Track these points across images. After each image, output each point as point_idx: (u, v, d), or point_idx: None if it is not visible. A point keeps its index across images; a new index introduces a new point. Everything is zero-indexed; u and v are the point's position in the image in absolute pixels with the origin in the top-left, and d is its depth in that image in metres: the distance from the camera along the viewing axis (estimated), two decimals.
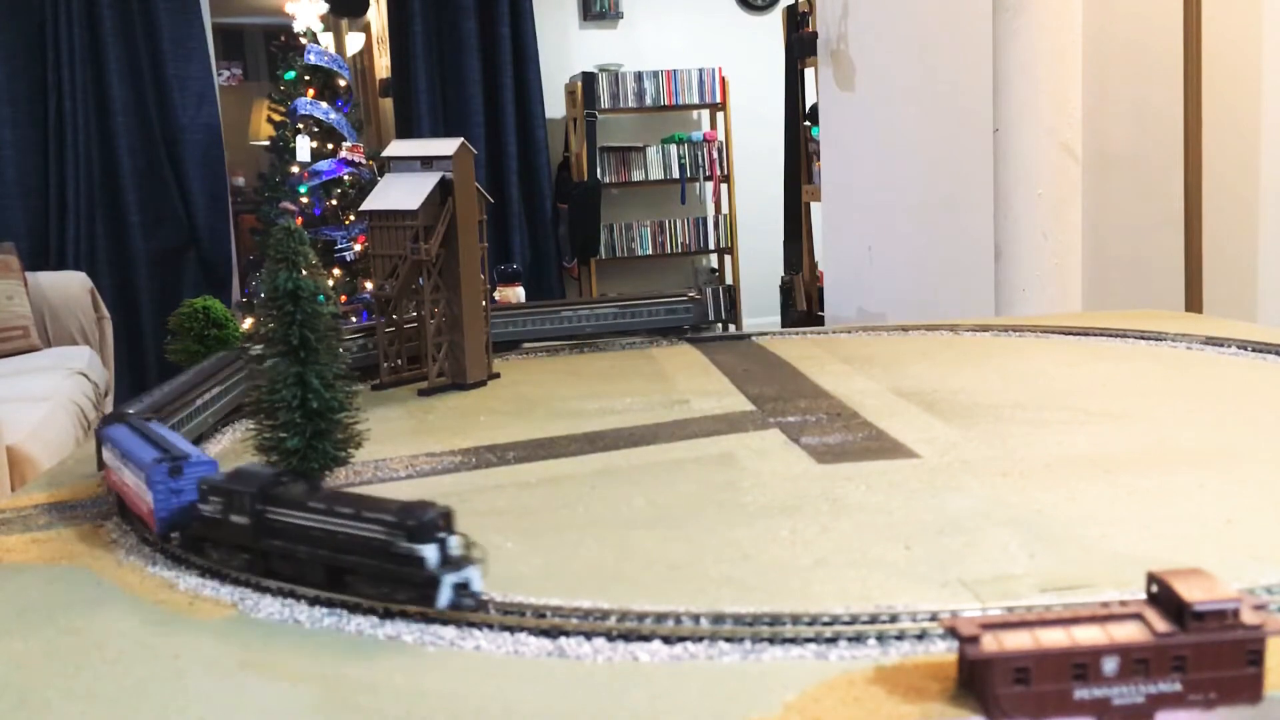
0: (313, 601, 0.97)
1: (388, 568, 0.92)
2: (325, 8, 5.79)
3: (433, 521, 0.91)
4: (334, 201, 5.59)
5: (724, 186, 6.95)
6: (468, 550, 0.92)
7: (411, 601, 0.92)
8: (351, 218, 5.56)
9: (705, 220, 6.99)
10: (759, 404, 1.70)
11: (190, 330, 1.83)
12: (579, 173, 6.70)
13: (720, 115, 6.90)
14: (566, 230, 6.75)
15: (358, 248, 5.52)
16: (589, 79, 6.57)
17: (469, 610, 0.91)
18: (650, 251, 6.94)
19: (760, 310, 6.97)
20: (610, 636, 0.87)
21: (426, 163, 1.88)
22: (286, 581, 0.99)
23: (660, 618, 0.90)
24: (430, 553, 0.90)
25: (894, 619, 0.88)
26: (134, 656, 0.89)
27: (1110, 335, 2.10)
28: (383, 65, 7.52)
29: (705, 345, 2.24)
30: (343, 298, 5.49)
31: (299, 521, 0.98)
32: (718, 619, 0.88)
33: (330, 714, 0.79)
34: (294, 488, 1.01)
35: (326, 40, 5.80)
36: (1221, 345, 1.94)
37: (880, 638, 0.85)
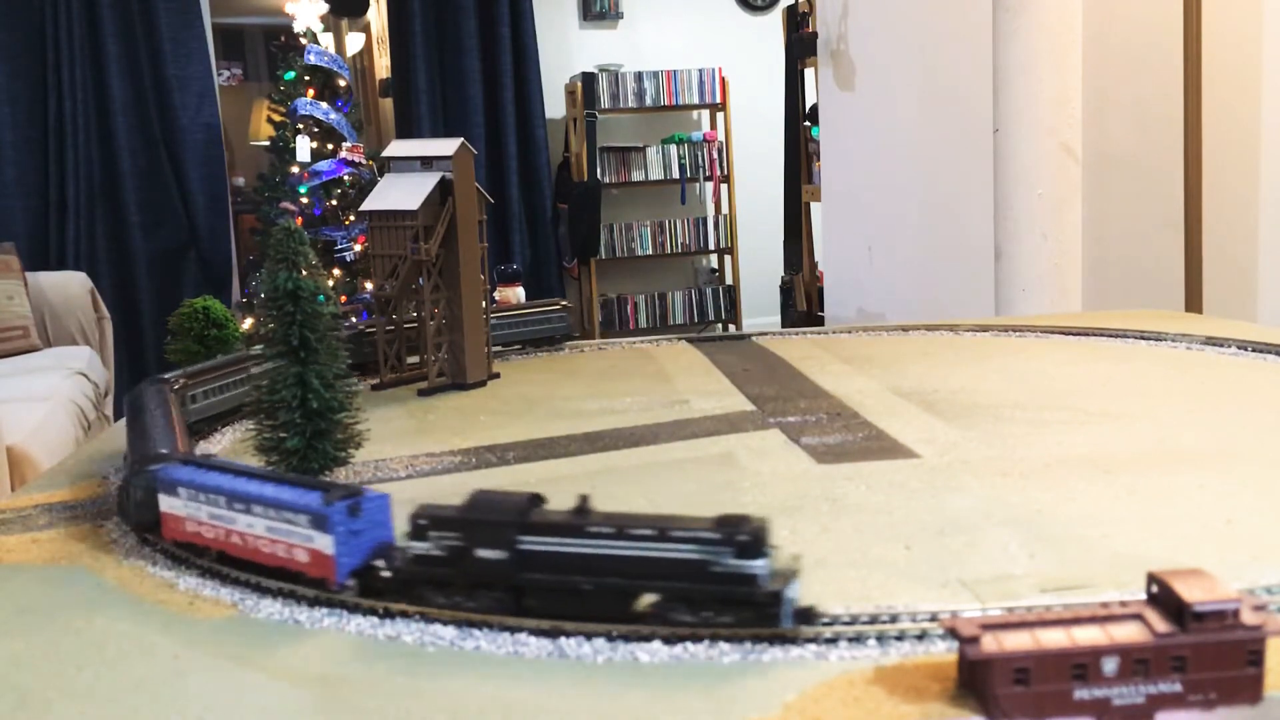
0: (312, 602, 0.97)
1: (710, 589, 0.85)
2: (325, 8, 5.78)
3: (759, 534, 0.84)
4: (334, 201, 5.59)
5: (724, 186, 6.95)
6: (789, 562, 0.86)
7: (748, 623, 0.84)
8: (351, 218, 5.56)
9: (705, 220, 6.99)
10: (759, 404, 1.70)
11: (190, 330, 1.84)
12: (579, 173, 6.70)
13: (720, 115, 6.90)
14: (566, 230, 6.75)
15: (358, 248, 5.52)
16: (589, 79, 6.57)
17: (814, 625, 0.85)
18: (650, 251, 6.93)
19: (760, 310, 6.97)
20: (610, 636, 0.87)
21: (426, 163, 1.88)
22: (548, 618, 0.89)
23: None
24: (762, 568, 0.84)
25: (894, 619, 0.88)
26: (134, 656, 0.89)
27: (1110, 335, 2.10)
28: (383, 65, 7.52)
29: (705, 345, 2.24)
30: (343, 298, 5.49)
31: (579, 550, 0.88)
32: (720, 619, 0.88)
33: (330, 714, 0.79)
34: (555, 514, 0.91)
35: (326, 40, 5.80)
36: (1221, 345, 1.94)
37: (880, 638, 0.85)
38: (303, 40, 5.66)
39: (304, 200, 5.55)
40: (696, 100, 6.79)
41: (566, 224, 6.74)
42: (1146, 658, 0.72)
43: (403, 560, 0.93)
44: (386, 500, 0.98)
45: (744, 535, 0.84)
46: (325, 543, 0.95)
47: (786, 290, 5.88)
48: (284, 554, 0.98)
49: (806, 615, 0.85)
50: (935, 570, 1.00)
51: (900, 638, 0.85)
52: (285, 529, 0.98)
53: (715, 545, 0.84)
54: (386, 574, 0.94)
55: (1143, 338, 2.06)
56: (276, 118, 5.71)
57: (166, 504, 1.09)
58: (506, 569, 0.89)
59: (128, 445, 1.33)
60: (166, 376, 1.58)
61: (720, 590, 0.84)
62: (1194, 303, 3.26)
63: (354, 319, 5.39)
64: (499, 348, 2.14)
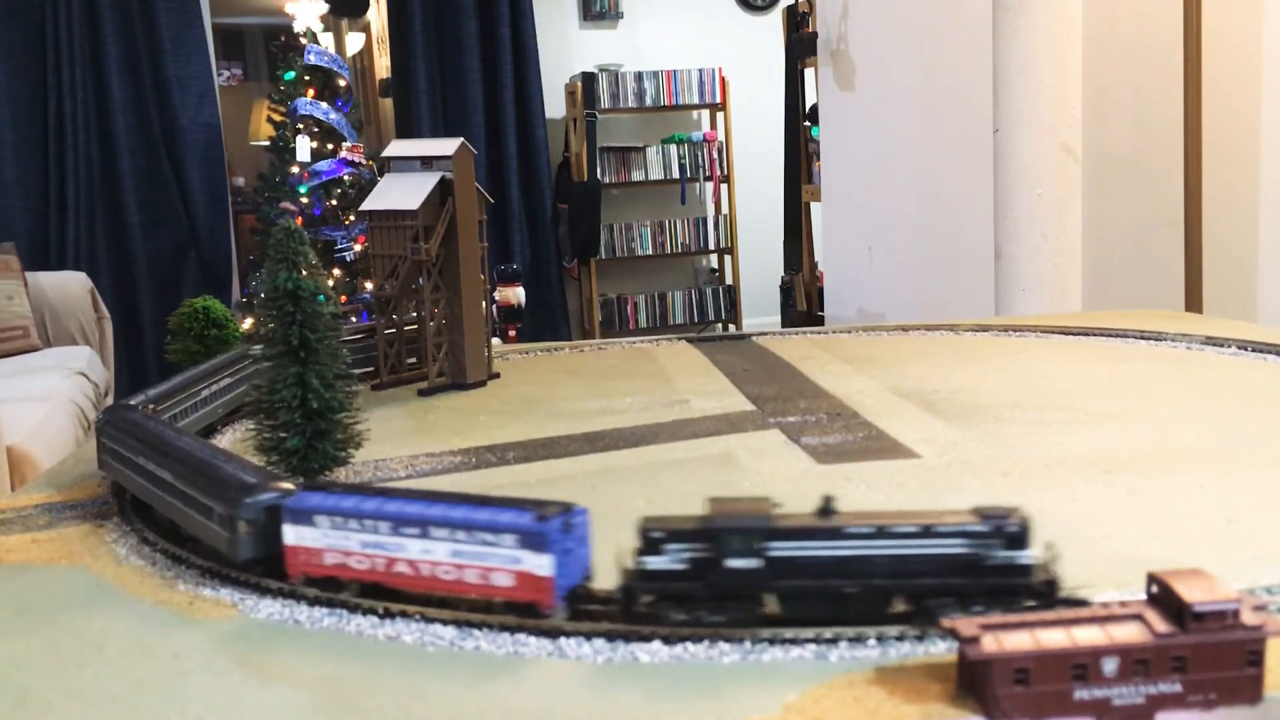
0: (312, 601, 0.97)
1: (983, 583, 0.84)
2: (325, 8, 5.79)
3: (1026, 524, 0.84)
4: (334, 201, 5.60)
5: (724, 186, 6.95)
6: (1048, 549, 0.86)
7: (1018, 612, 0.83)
8: (351, 218, 5.56)
9: (705, 220, 6.99)
10: (759, 404, 1.70)
11: (190, 330, 1.84)
12: (579, 173, 6.70)
13: (720, 115, 6.90)
14: (566, 230, 6.75)
15: (358, 248, 5.52)
16: (589, 79, 6.57)
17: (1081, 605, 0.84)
18: (650, 251, 6.94)
19: (760, 310, 6.97)
20: (610, 637, 0.87)
21: (426, 163, 1.88)
22: (798, 625, 0.86)
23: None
24: (1032, 557, 0.84)
25: (894, 619, 0.88)
26: (134, 656, 0.89)
27: (1110, 335, 2.10)
28: (383, 65, 7.52)
29: (705, 345, 2.24)
30: (343, 298, 5.49)
31: (839, 553, 0.85)
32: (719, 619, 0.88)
33: (330, 714, 0.79)
34: (802, 518, 0.87)
35: (326, 40, 5.80)
36: (1221, 345, 1.94)
37: (880, 638, 0.85)
38: (303, 40, 5.66)
39: (304, 200, 5.55)
40: (696, 100, 6.79)
41: (566, 224, 6.74)
42: (1146, 658, 0.72)
43: (637, 578, 0.87)
44: (588, 515, 0.92)
45: (1013, 526, 0.83)
46: (540, 563, 0.88)
47: (786, 290, 5.88)
48: (476, 580, 0.90)
49: (1070, 601, 0.85)
50: None
51: (900, 638, 0.85)
52: (479, 552, 0.89)
53: (984, 538, 0.83)
54: (646, 598, 0.87)
55: (1143, 338, 2.06)
56: (276, 118, 5.71)
57: (295, 536, 0.96)
58: (760, 578, 0.86)
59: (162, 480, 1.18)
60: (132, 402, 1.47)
61: (994, 583, 0.84)
62: (1194, 303, 3.26)
63: (354, 319, 5.40)
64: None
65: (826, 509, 0.87)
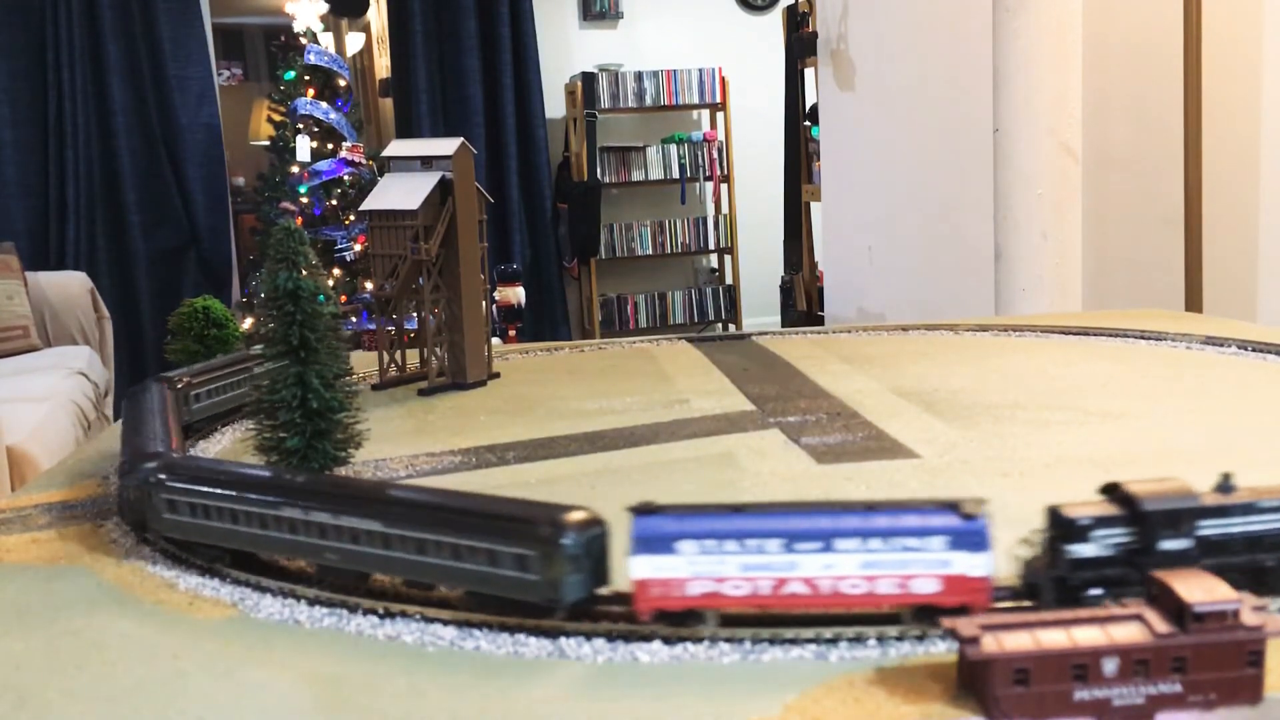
0: (312, 601, 0.97)
1: None
2: (325, 8, 5.78)
3: None
4: (334, 201, 5.59)
5: (724, 186, 6.95)
6: None
7: None
8: (351, 218, 5.56)
9: (705, 220, 6.99)
10: (759, 404, 1.70)
11: (190, 330, 1.83)
12: (579, 173, 6.70)
13: (720, 115, 6.90)
14: (566, 230, 6.75)
15: (358, 248, 5.52)
16: (589, 79, 6.57)
17: None
18: (650, 251, 6.94)
19: (760, 310, 6.97)
20: (610, 637, 0.87)
21: (426, 163, 1.88)
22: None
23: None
24: None
25: (894, 619, 0.88)
26: (134, 656, 0.89)
27: (1110, 335, 2.10)
28: (383, 65, 7.52)
29: (705, 345, 2.24)
30: (343, 298, 5.49)
31: (1260, 528, 0.87)
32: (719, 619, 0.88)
33: (330, 714, 0.79)
34: (1214, 495, 0.87)
35: (326, 40, 5.80)
36: (1221, 345, 1.94)
37: (880, 639, 0.85)
38: (303, 40, 5.66)
39: (304, 200, 5.55)
40: (696, 100, 6.79)
41: (566, 224, 6.74)
42: (1146, 658, 0.72)
43: (1069, 566, 0.85)
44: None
45: None
46: (976, 564, 0.83)
47: (786, 290, 5.88)
48: (893, 589, 0.84)
49: None
50: None
51: (900, 638, 0.85)
52: (899, 560, 0.84)
53: None
54: (1096, 591, 0.85)
55: (1143, 338, 2.05)
56: (276, 118, 5.71)
57: (650, 567, 0.85)
58: (1189, 558, 0.84)
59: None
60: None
61: None
62: (1194, 303, 3.26)
63: (353, 319, 5.40)
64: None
65: (1225, 485, 0.87)
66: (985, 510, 0.85)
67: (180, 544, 1.11)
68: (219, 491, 1.05)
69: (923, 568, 0.84)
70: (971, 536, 0.83)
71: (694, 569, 0.85)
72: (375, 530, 0.96)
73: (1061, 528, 0.85)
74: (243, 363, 1.68)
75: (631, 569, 0.85)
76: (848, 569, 0.84)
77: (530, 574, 0.88)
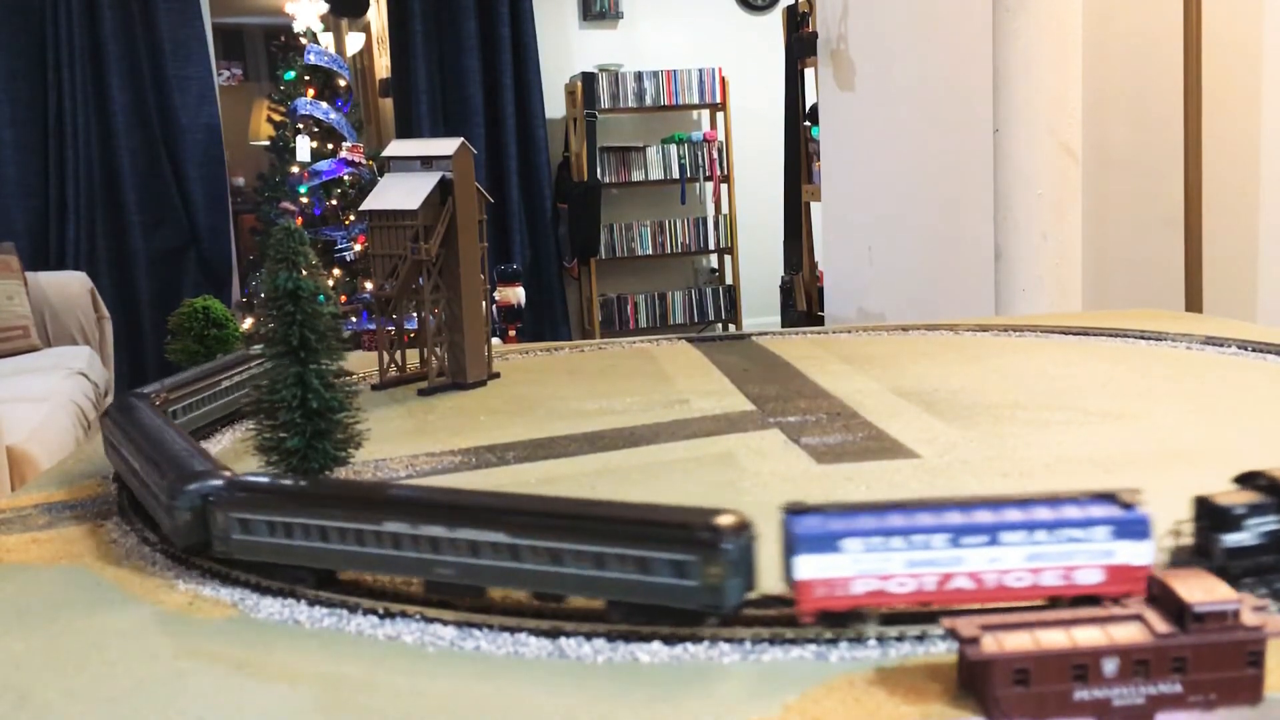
0: (312, 602, 0.97)
1: None
2: (325, 8, 5.79)
3: None
4: (334, 201, 5.60)
5: (724, 186, 6.95)
6: None
7: None
8: (351, 218, 5.56)
9: (705, 220, 6.99)
10: (759, 404, 1.70)
11: (190, 330, 1.83)
12: (579, 173, 6.70)
13: (720, 115, 6.90)
14: (566, 230, 6.75)
15: (358, 248, 5.52)
16: (589, 79, 6.57)
17: None
18: (650, 251, 6.94)
19: (760, 310, 6.98)
20: (610, 637, 0.87)
21: (426, 163, 1.88)
22: None
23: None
24: None
25: (894, 620, 0.88)
26: (134, 656, 0.89)
27: (1110, 335, 2.10)
28: (383, 65, 7.52)
29: (705, 345, 2.24)
30: (343, 298, 5.49)
31: None
32: (720, 619, 0.88)
33: (330, 714, 0.79)
34: None
35: (326, 40, 5.80)
36: (1221, 345, 1.93)
37: (880, 639, 0.85)
38: (303, 40, 5.66)
39: (304, 200, 5.56)
40: (696, 100, 6.79)
41: (566, 224, 6.74)
42: (1146, 658, 0.72)
43: (1222, 556, 0.86)
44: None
45: None
46: (1139, 552, 0.83)
47: (786, 290, 5.88)
48: (1055, 582, 0.84)
49: None
50: None
51: (900, 638, 0.85)
52: (1063, 551, 0.84)
53: None
54: (1248, 579, 0.86)
55: (1143, 338, 2.05)
56: (276, 118, 5.71)
57: (814, 567, 0.84)
58: None
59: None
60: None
61: None
62: (1194, 303, 3.26)
63: (353, 319, 5.40)
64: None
65: None
66: (1141, 500, 0.85)
67: (251, 565, 1.04)
68: (307, 509, 1.00)
69: (1086, 558, 0.84)
70: (1134, 525, 0.83)
71: (858, 567, 0.84)
72: (500, 542, 0.91)
73: (1215, 517, 0.85)
74: (218, 374, 1.63)
75: (795, 570, 0.84)
76: (1013, 562, 0.83)
77: (689, 580, 0.85)
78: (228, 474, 1.09)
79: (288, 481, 1.14)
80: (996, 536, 0.83)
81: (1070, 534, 0.83)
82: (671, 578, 0.86)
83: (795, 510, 0.86)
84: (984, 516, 0.84)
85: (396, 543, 0.96)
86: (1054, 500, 0.85)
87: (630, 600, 0.88)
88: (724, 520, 0.86)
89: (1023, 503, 0.85)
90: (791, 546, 0.84)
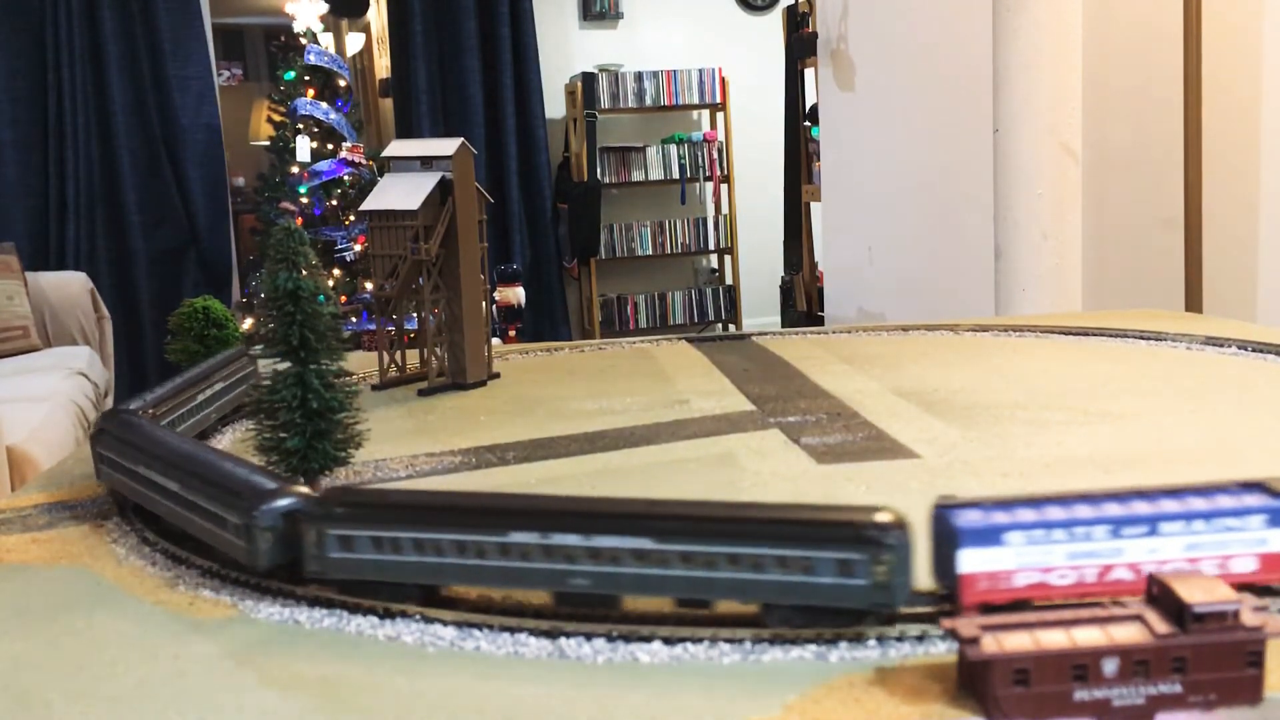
0: (312, 602, 0.97)
1: None
2: (325, 8, 5.78)
3: None
4: (334, 201, 5.60)
5: (724, 186, 6.95)
6: None
7: None
8: (351, 218, 5.56)
9: (705, 220, 6.99)
10: (759, 404, 1.70)
11: (190, 330, 1.83)
12: (579, 173, 6.70)
13: (720, 115, 6.90)
14: (566, 230, 6.75)
15: (358, 248, 5.52)
16: (589, 79, 6.57)
17: None
18: (650, 251, 6.94)
19: (760, 310, 6.98)
20: (610, 637, 0.87)
21: (426, 163, 1.88)
22: None
23: (660, 619, 0.90)
24: None
25: (894, 620, 0.88)
26: (134, 656, 0.89)
27: (1110, 335, 2.10)
28: (383, 65, 7.52)
29: (705, 345, 2.24)
30: (343, 298, 5.49)
31: None
32: (718, 619, 0.88)
33: (330, 714, 0.79)
34: None
35: (326, 40, 5.80)
36: (1221, 345, 1.94)
37: (881, 639, 0.85)
38: (303, 40, 5.66)
39: (304, 200, 5.55)
40: (696, 100, 6.79)
41: (566, 224, 6.74)
42: (1147, 659, 0.72)
43: None
44: None
45: None
46: None
47: (786, 290, 5.88)
48: (1213, 571, 0.85)
49: None
50: None
51: (900, 639, 0.85)
52: (1219, 540, 0.84)
53: None
54: None
55: (1143, 338, 2.06)
56: (276, 118, 5.71)
57: (979, 561, 0.84)
58: None
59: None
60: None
61: None
62: (1194, 303, 3.26)
63: (354, 319, 5.40)
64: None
65: None
66: None
67: (348, 585, 0.97)
68: (417, 521, 0.94)
69: (1241, 547, 0.84)
70: None
71: (1020, 560, 0.84)
72: (645, 549, 0.88)
73: None
74: (195, 386, 1.57)
75: (958, 564, 0.83)
76: (1172, 552, 0.83)
77: (857, 579, 0.84)
78: (306, 489, 1.02)
79: (393, 493, 1.07)
80: (1156, 527, 0.84)
81: (1226, 523, 0.84)
82: (838, 577, 0.84)
83: (948, 505, 0.85)
84: (1141, 508, 0.84)
85: (525, 554, 0.91)
86: (1206, 490, 0.86)
87: (789, 602, 0.86)
88: (887, 516, 0.85)
89: (1176, 493, 0.85)
90: (953, 540, 0.83)
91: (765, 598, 0.87)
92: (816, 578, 0.85)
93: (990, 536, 0.83)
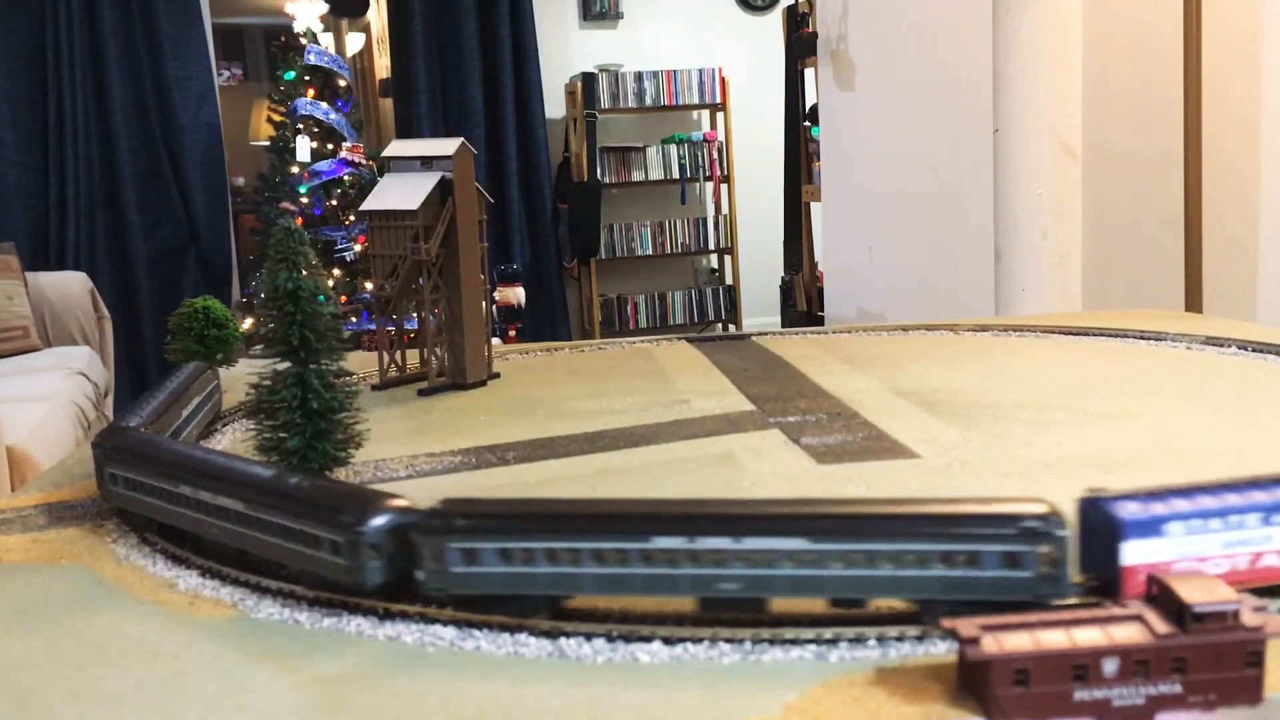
0: (312, 602, 0.97)
1: None
2: (325, 8, 5.79)
3: None
4: (334, 201, 5.60)
5: (724, 186, 6.95)
6: None
7: None
8: (351, 218, 5.56)
9: (705, 220, 6.99)
10: (759, 404, 1.70)
11: (190, 330, 1.83)
12: (579, 173, 6.70)
13: (720, 115, 6.90)
14: (566, 230, 6.75)
15: (358, 248, 5.52)
16: (589, 79, 6.57)
17: None
18: (650, 251, 6.94)
19: (760, 310, 6.98)
20: (610, 637, 0.87)
21: (426, 163, 1.88)
22: None
23: (661, 619, 0.90)
24: None
25: (894, 620, 0.88)
26: (134, 656, 0.89)
27: (1110, 335, 2.10)
28: (383, 65, 7.52)
29: (705, 345, 2.24)
30: (343, 298, 5.49)
31: None
32: (718, 619, 0.88)
33: (330, 714, 0.79)
34: None
35: (326, 40, 5.81)
36: (1221, 345, 1.94)
37: (881, 639, 0.85)
38: (303, 40, 5.66)
39: (304, 200, 5.56)
40: (696, 100, 6.79)
41: (566, 224, 6.74)
42: (1147, 659, 0.72)
43: None
44: None
45: None
46: None
47: (786, 290, 5.88)
48: None
49: None
50: None
51: (901, 638, 0.85)
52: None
53: None
54: None
55: (1143, 338, 2.05)
56: (276, 118, 5.71)
57: (1140, 553, 0.84)
58: None
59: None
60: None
61: None
62: (1194, 303, 3.26)
63: (354, 319, 5.40)
64: None
65: None
66: None
67: (469, 600, 0.93)
68: (549, 531, 0.90)
69: None
70: None
71: (1180, 550, 0.85)
72: (801, 549, 0.86)
73: None
74: (178, 400, 1.53)
75: (1123, 555, 0.84)
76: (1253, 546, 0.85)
77: (1023, 571, 0.83)
78: (406, 501, 0.96)
79: (519, 501, 1.02)
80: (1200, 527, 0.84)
81: None
82: (1003, 570, 0.84)
83: (1101, 497, 0.85)
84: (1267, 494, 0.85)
85: (671, 560, 0.88)
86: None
87: (952, 598, 0.85)
88: (1047, 507, 0.84)
89: (1269, 484, 0.86)
90: (1115, 532, 0.84)
91: (928, 594, 0.86)
92: (981, 571, 0.84)
93: (1152, 528, 0.84)
